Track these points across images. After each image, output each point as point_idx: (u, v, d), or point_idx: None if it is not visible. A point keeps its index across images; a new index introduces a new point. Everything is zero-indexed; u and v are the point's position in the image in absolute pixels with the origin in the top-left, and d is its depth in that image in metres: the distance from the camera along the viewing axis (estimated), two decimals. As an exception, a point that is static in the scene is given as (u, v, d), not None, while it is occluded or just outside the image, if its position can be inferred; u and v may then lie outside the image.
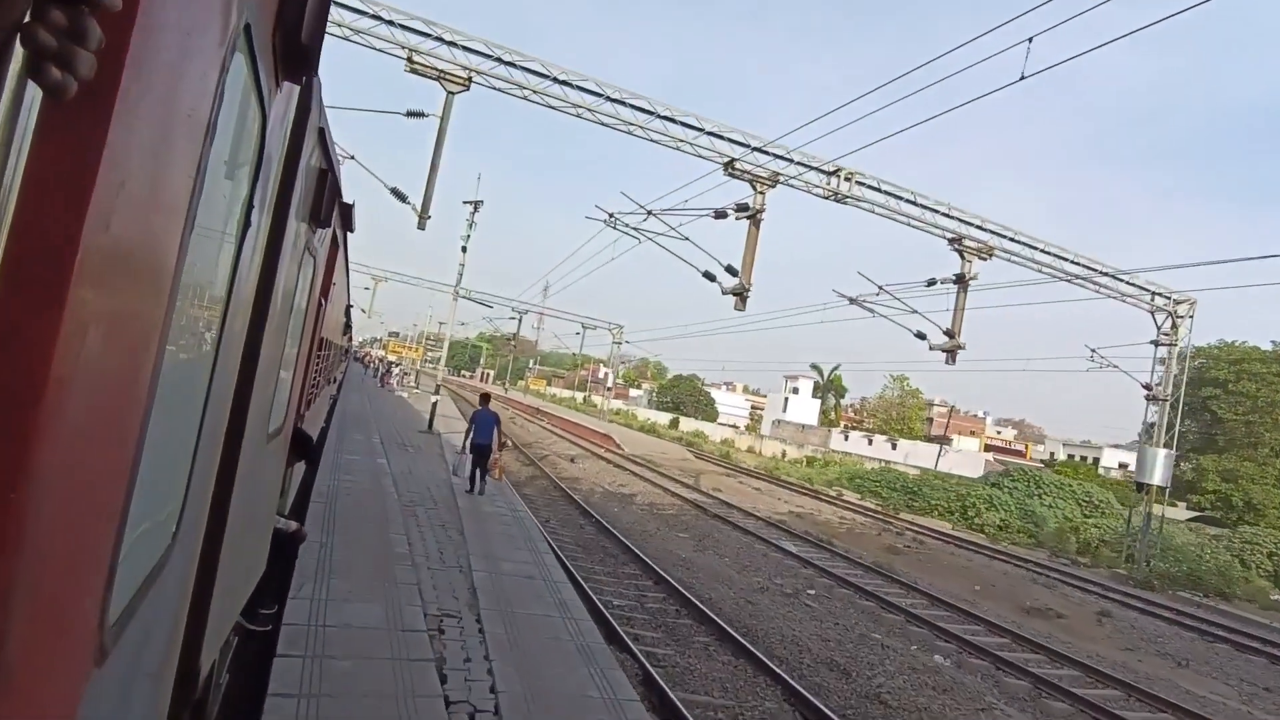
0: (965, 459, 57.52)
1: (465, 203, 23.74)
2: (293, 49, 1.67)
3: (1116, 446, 73.88)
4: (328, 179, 3.39)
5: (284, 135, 2.16)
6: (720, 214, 17.66)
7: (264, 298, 2.39)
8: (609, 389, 58.76)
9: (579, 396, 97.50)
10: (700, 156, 18.08)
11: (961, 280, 19.81)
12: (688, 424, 72.83)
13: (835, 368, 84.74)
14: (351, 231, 6.30)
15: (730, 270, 17.53)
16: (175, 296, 1.07)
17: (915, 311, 20.01)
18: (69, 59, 0.53)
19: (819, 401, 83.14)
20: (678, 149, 18.11)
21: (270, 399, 3.02)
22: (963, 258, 20.02)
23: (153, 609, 1.46)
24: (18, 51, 0.53)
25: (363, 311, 42.39)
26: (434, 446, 19.03)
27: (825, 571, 14.58)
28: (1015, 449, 76.17)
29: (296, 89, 2.15)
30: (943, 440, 59.94)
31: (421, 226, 16.04)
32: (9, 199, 0.56)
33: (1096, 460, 66.20)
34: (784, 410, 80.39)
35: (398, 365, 52.48)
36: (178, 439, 1.48)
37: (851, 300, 21.21)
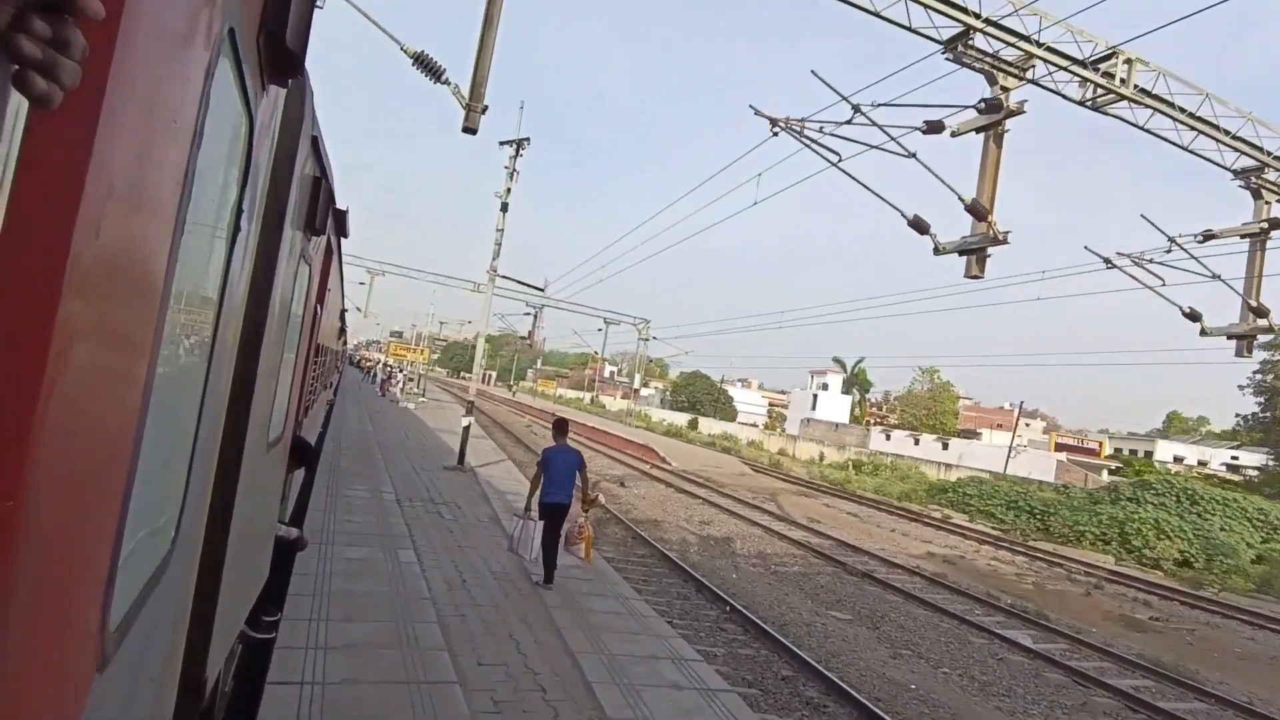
0: (1036, 460, 48.45)
1: (503, 143, 17.45)
2: (278, 53, 1.67)
3: (1165, 437, 68.80)
4: (321, 186, 3.40)
5: (272, 141, 2.16)
6: (935, 127, 10.42)
7: (260, 306, 2.40)
8: (635, 389, 56.04)
9: (585, 397, 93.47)
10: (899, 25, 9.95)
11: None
12: (707, 425, 68.72)
13: (859, 361, 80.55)
14: (345, 237, 6.31)
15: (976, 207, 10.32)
16: (166, 303, 1.07)
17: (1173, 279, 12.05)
18: (54, 68, 0.54)
19: (849, 398, 78.43)
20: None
21: (269, 408, 3.03)
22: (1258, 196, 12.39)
23: (154, 615, 1.47)
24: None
25: (358, 310, 38.22)
26: (473, 496, 13.08)
27: (1128, 697, 9.51)
28: (1087, 447, 63.75)
29: (283, 93, 2.16)
30: (1011, 444, 49.92)
31: (472, 126, 9.36)
32: None
33: (1149, 454, 59.16)
34: (813, 408, 75.08)
35: (400, 370, 47.80)
36: (173, 446, 1.49)
37: (1109, 263, 12.23)
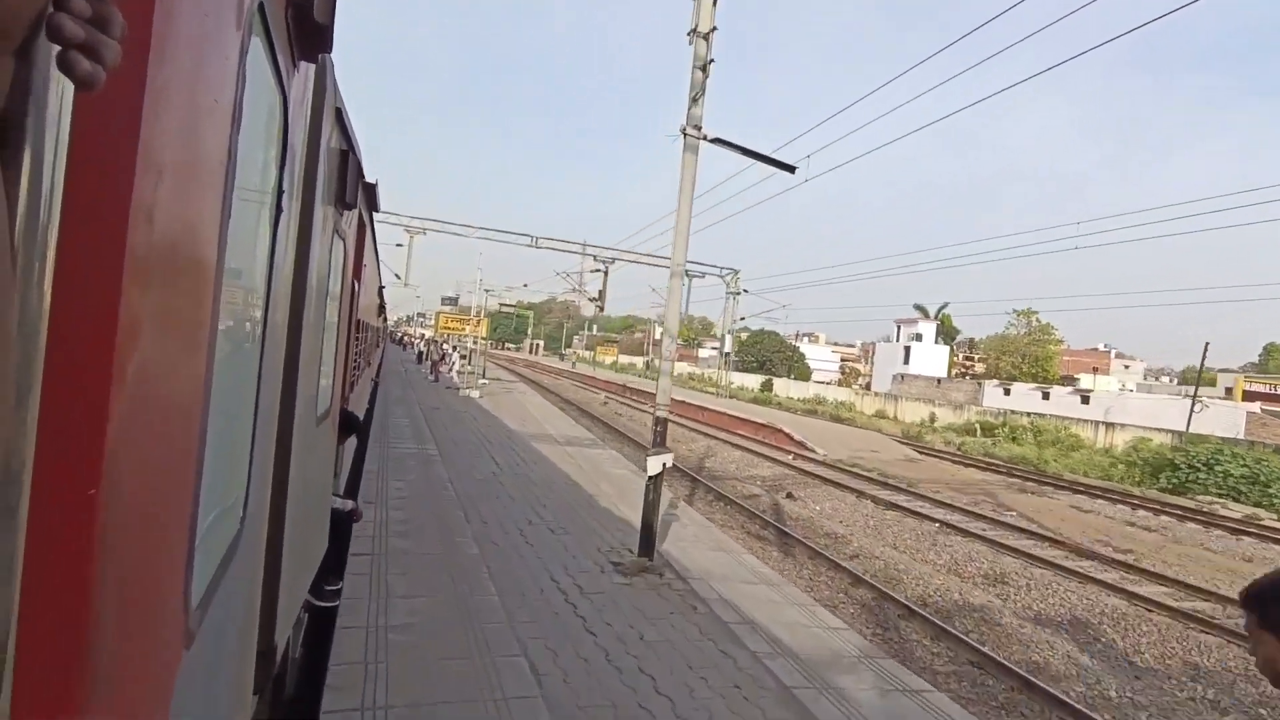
0: (1219, 416, 36.96)
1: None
2: (307, 28, 1.65)
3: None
4: (349, 160, 3.39)
5: (305, 117, 2.15)
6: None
7: (300, 283, 2.42)
8: (726, 353, 46.19)
9: (638, 362, 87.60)
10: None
11: None
12: (782, 387, 63.03)
13: (942, 307, 71.58)
14: (377, 211, 6.33)
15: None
16: (220, 287, 1.08)
17: None
18: (97, 48, 0.52)
19: (946, 349, 68.90)
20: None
21: (316, 383, 3.08)
22: None
23: (230, 590, 1.52)
24: (45, 46, 0.52)
25: (396, 277, 33.17)
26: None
27: None
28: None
29: (313, 69, 2.13)
30: (1197, 390, 36.10)
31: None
32: (54, 198, 0.55)
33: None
34: (905, 361, 65.52)
35: (454, 348, 38.44)
36: (236, 425, 1.52)
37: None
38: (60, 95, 0.55)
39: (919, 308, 72.20)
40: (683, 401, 35.38)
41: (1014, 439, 33.89)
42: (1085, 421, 36.65)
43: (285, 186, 1.72)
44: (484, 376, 32.43)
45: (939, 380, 58.41)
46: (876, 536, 13.56)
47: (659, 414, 7.99)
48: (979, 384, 54.81)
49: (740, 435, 28.12)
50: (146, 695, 0.94)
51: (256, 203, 1.47)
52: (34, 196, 0.53)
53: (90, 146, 0.63)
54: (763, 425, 29.59)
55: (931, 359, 66.04)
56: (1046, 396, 48.21)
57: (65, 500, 0.65)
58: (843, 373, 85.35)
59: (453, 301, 38.93)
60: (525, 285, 48.60)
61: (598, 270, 36.36)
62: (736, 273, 41.54)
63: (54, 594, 0.65)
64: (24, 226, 0.52)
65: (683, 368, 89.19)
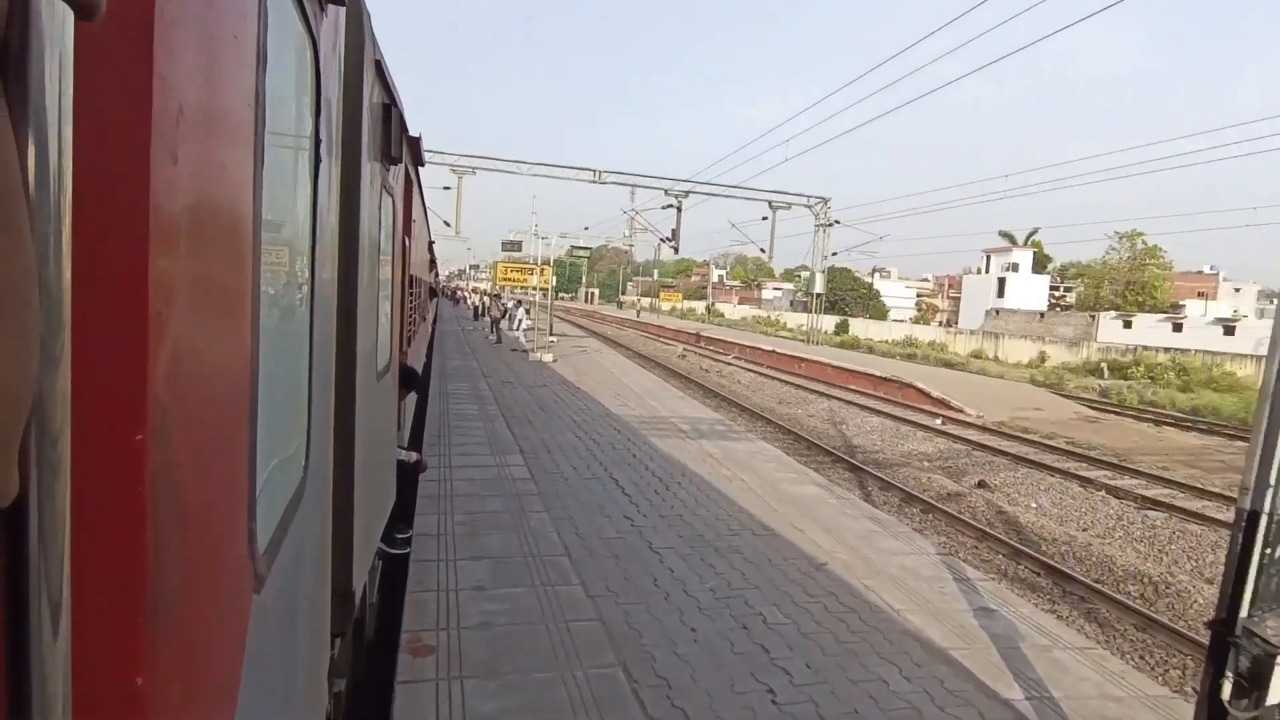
0: None
1: None
2: None
3: None
4: (392, 113, 3.37)
5: (339, 66, 2.12)
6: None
7: (352, 239, 2.43)
8: (817, 294, 39.12)
9: (696, 307, 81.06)
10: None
11: None
12: (860, 328, 57.66)
13: (1033, 233, 63.78)
14: (422, 165, 6.34)
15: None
16: (259, 234, 1.06)
17: None
18: None
19: (1045, 279, 61.48)
20: None
21: (374, 339, 3.14)
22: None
23: (298, 537, 1.56)
24: None
25: (445, 225, 29.62)
26: None
27: None
28: None
29: (343, 14, 2.09)
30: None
31: None
32: (66, 138, 0.52)
33: None
34: (999, 294, 58.64)
35: (519, 303, 31.91)
36: (290, 379, 1.54)
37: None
38: (61, 24, 0.52)
39: (1006, 235, 64.73)
40: (772, 351, 32.65)
41: (1153, 378, 29.78)
42: (1235, 356, 31.63)
43: (322, 138, 1.70)
44: (551, 334, 26.88)
45: (1041, 314, 51.61)
46: (1165, 559, 9.44)
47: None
48: (1092, 316, 47.15)
49: (859, 392, 23.35)
50: (215, 636, 0.97)
51: (292, 151, 1.46)
52: (45, 134, 0.51)
53: (99, 79, 0.60)
54: (884, 379, 24.54)
55: (1029, 291, 58.56)
56: (1179, 328, 41.86)
57: (111, 445, 0.65)
58: (919, 309, 79.25)
59: (515, 246, 31.13)
60: (586, 229, 41.40)
61: (670, 206, 32.49)
62: (826, 202, 35.85)
63: (106, 538, 0.66)
64: (37, 166, 0.50)
65: (744, 310, 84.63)
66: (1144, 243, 56.42)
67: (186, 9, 0.75)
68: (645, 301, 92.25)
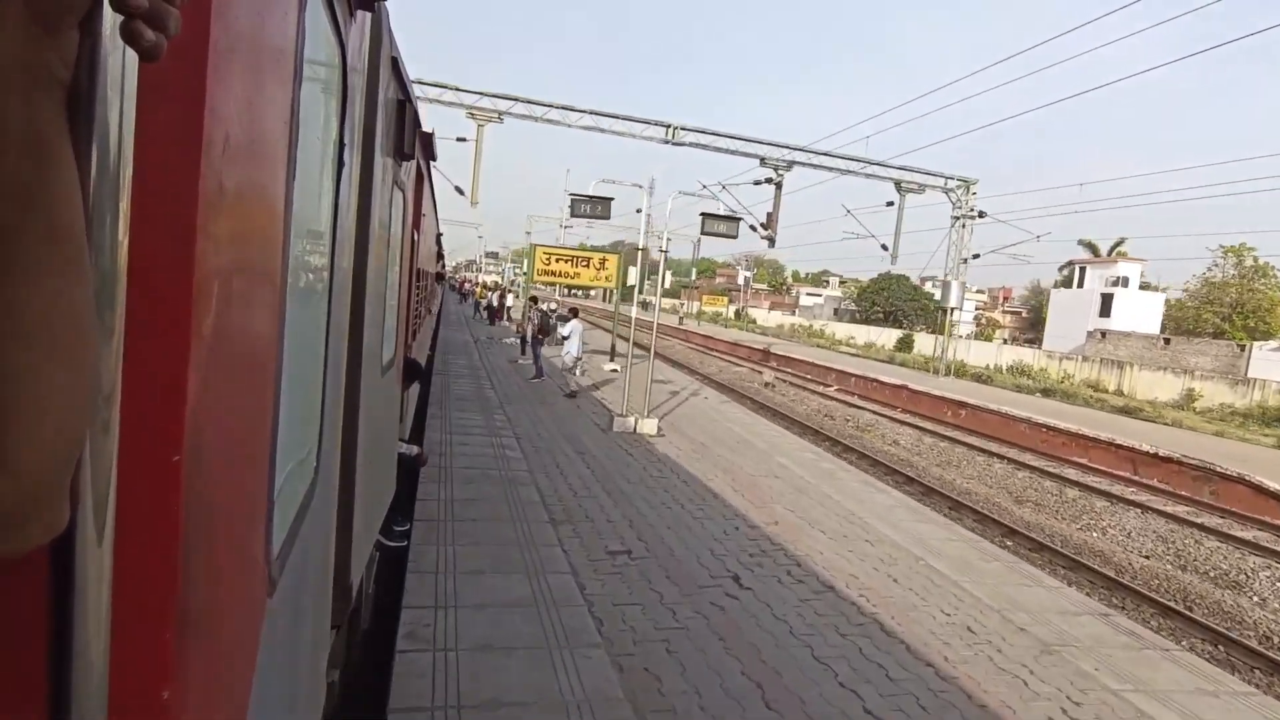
0: None
1: None
2: None
3: None
4: (406, 110, 3.38)
5: (363, 68, 2.13)
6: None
7: (363, 236, 2.45)
8: (951, 310, 29.50)
9: (725, 311, 71.36)
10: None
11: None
12: (927, 344, 47.74)
13: (1118, 244, 53.87)
14: (434, 160, 6.36)
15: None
16: (289, 244, 1.08)
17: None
18: (160, 17, 0.51)
19: (1159, 296, 51.43)
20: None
21: (380, 333, 3.15)
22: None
23: (307, 538, 1.58)
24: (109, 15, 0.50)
25: (459, 192, 22.23)
26: None
27: None
28: None
29: (368, 17, 2.10)
30: None
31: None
32: (125, 170, 0.55)
33: None
34: (1104, 313, 49.07)
35: (574, 312, 17.57)
36: (308, 379, 1.56)
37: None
38: (125, 66, 0.54)
39: (1087, 245, 55.61)
40: (902, 387, 23.94)
41: None
42: None
43: (347, 139, 1.71)
44: (613, 358, 20.06)
45: (1165, 339, 41.84)
46: None
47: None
48: (1241, 345, 37.72)
49: (1112, 475, 14.76)
50: (234, 643, 0.99)
51: (319, 156, 1.47)
52: (104, 167, 0.53)
53: (156, 113, 0.62)
54: (1154, 457, 14.93)
55: (1141, 311, 48.73)
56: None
57: (150, 471, 0.67)
58: (978, 324, 70.42)
59: (596, 209, 18.59)
60: (639, 211, 35.62)
61: (765, 182, 23.96)
62: (969, 186, 27.08)
63: (142, 558, 0.68)
64: (96, 197, 0.52)
65: (778, 317, 75.48)
66: (1254, 259, 47.75)
67: (238, 36, 0.77)
68: (670, 303, 79.84)
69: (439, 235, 17.99)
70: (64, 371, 0.48)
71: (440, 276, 22.09)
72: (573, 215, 21.71)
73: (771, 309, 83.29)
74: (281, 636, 1.35)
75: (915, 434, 18.52)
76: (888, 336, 53.67)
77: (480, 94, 22.07)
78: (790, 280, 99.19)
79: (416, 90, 16.96)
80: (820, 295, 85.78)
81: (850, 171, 26.11)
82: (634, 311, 15.21)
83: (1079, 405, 26.24)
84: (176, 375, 0.69)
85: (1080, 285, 53.06)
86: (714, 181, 24.29)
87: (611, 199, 18.24)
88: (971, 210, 27.24)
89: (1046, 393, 30.14)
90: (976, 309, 75.18)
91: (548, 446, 9.68)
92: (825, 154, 25.62)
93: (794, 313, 79.79)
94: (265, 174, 0.95)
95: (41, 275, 0.47)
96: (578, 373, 15.85)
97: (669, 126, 23.68)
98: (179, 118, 0.67)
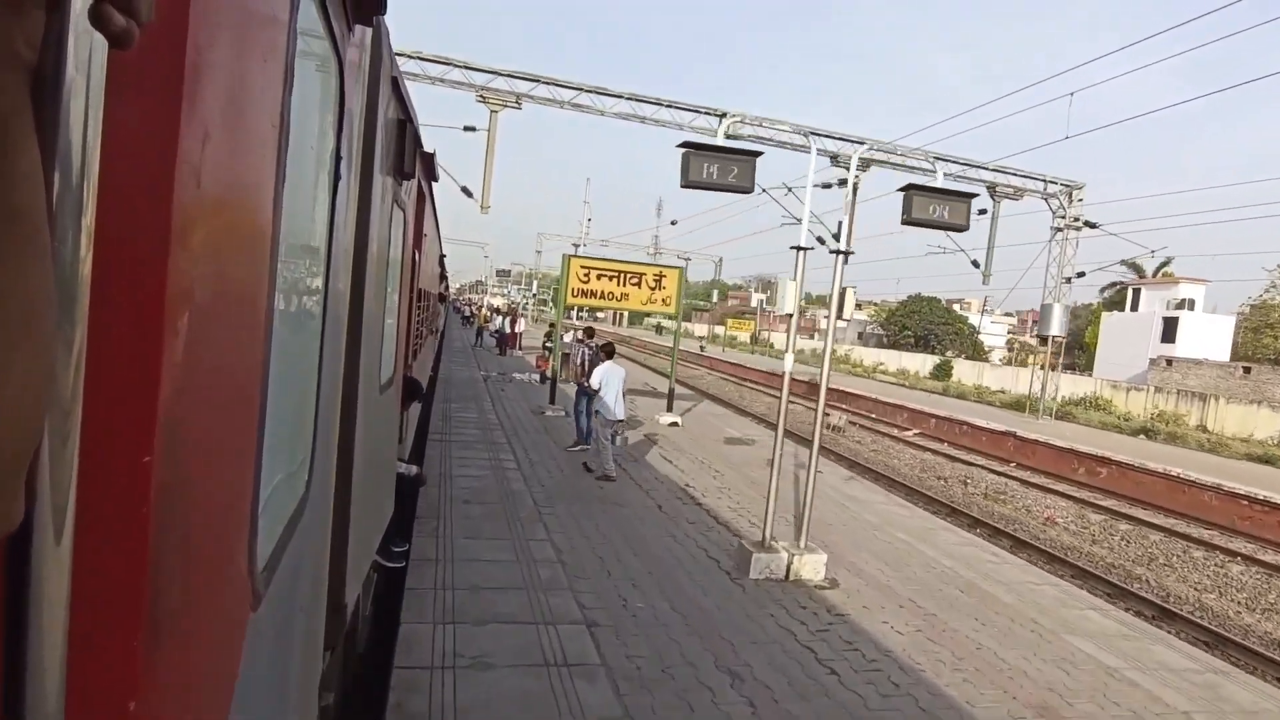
0: None
1: None
2: None
3: None
4: (407, 129, 3.41)
5: (361, 84, 2.14)
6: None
7: (361, 254, 2.45)
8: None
9: (738, 336, 67.08)
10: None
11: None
12: (970, 372, 45.56)
13: (1164, 264, 48.24)
14: (435, 181, 6.42)
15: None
16: (277, 253, 1.07)
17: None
18: (132, 2, 0.50)
19: (1229, 319, 46.49)
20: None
21: (379, 352, 3.15)
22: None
23: (297, 553, 1.55)
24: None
25: (466, 194, 18.81)
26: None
27: None
28: None
29: (369, 34, 2.12)
30: None
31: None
32: (93, 157, 0.53)
33: None
34: (1167, 339, 44.41)
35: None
36: (299, 393, 1.54)
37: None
38: (93, 51, 0.53)
39: (1131, 265, 49.43)
40: (1008, 436, 20.04)
41: None
42: None
43: (343, 153, 1.71)
44: (670, 406, 15.75)
45: (1245, 368, 37.13)
46: None
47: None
48: None
49: None
50: (211, 656, 0.96)
51: (314, 168, 1.47)
52: (70, 155, 0.51)
53: (129, 104, 0.61)
54: None
55: (1209, 336, 43.87)
56: None
57: (117, 467, 0.65)
58: (1010, 348, 65.95)
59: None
60: (674, 223, 31.36)
61: (833, 185, 18.80)
62: (1072, 192, 23.21)
63: (107, 561, 0.65)
64: (61, 189, 0.51)
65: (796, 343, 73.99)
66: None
67: (219, 35, 0.76)
68: (695, 327, 77.84)
69: (442, 256, 17.98)
70: (19, 356, 0.47)
71: (443, 298, 21.39)
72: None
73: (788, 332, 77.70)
74: (267, 654, 1.32)
75: (1069, 507, 14.35)
76: (921, 362, 50.28)
77: (494, 73, 18.25)
78: (803, 303, 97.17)
79: (415, 67, 16.51)
80: (844, 320, 79.25)
81: (933, 173, 20.80)
82: (676, 345, 14.94)
83: (1194, 450, 22.60)
84: (148, 374, 0.67)
85: (1135, 308, 48.08)
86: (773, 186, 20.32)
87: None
88: (1076, 220, 23.02)
89: (1146, 433, 26.24)
90: (1009, 333, 72.34)
91: (648, 635, 4.98)
92: (911, 151, 20.71)
93: (812, 336, 75.50)
94: (251, 175, 0.94)
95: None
96: (616, 442, 9.90)
97: (723, 115, 19.00)
98: (153, 109, 0.66)
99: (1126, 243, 25.63)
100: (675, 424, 14.65)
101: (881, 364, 51.33)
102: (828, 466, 12.26)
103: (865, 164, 19.45)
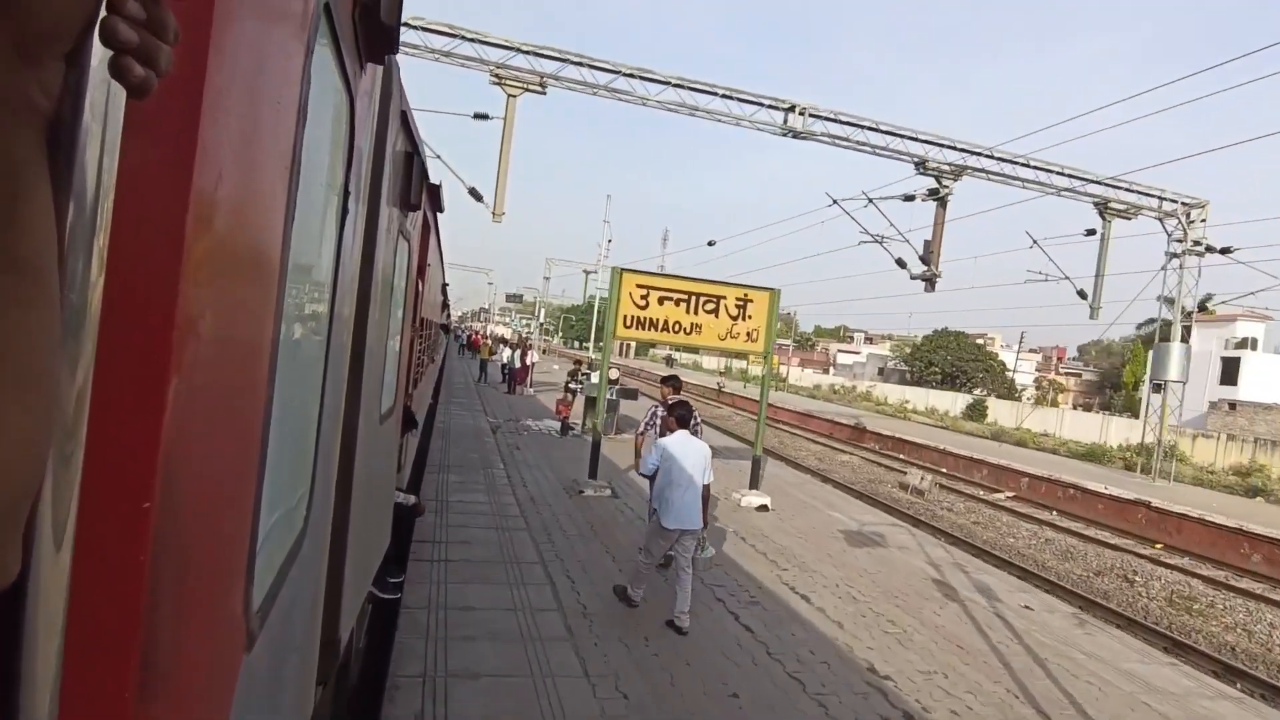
0: None
1: None
2: (373, 29, 1.65)
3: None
4: (414, 161, 3.46)
5: (371, 119, 2.17)
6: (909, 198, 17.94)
7: (365, 286, 2.46)
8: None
9: (750, 369, 57.87)
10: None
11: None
12: (1006, 413, 42.01)
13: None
14: (441, 212, 6.48)
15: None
16: (284, 289, 1.07)
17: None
18: (151, 54, 0.50)
19: None
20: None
21: (379, 382, 3.15)
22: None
23: (293, 590, 1.53)
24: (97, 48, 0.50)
25: (474, 198, 15.63)
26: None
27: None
28: None
29: (380, 71, 2.16)
30: None
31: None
32: (106, 203, 0.54)
33: None
34: (1229, 380, 40.86)
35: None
36: (300, 428, 1.53)
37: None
38: (112, 100, 0.53)
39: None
40: (1146, 508, 16.22)
41: None
42: None
43: (351, 188, 1.73)
44: (755, 484, 11.57)
45: None
46: None
47: None
48: None
49: None
50: (202, 701, 0.94)
51: (322, 204, 1.48)
52: (84, 201, 0.51)
53: (144, 149, 0.61)
54: None
55: (1273, 378, 39.86)
56: None
57: (117, 513, 0.64)
58: (1038, 386, 63.11)
59: None
60: (711, 243, 27.88)
61: (915, 196, 17.52)
62: (1192, 211, 20.48)
63: (102, 609, 0.64)
64: (74, 232, 0.51)
65: (810, 376, 67.10)
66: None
67: (234, 79, 0.77)
68: (703, 359, 72.53)
69: (444, 285, 18.12)
70: (20, 407, 0.46)
71: (445, 328, 20.91)
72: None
73: (803, 367, 73.13)
74: (259, 694, 1.29)
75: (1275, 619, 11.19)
76: (952, 401, 47.19)
77: (512, 48, 15.14)
78: (812, 336, 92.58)
79: (416, 38, 15.64)
80: (861, 353, 76.61)
81: (1028, 185, 18.52)
82: (763, 396, 11.14)
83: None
84: (151, 421, 0.66)
85: (1176, 341, 42.28)
86: (850, 196, 17.92)
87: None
88: (1198, 244, 20.19)
89: (1257, 493, 22.95)
90: (1037, 371, 68.64)
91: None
92: (1013, 159, 17.87)
93: (827, 371, 72.21)
94: (261, 215, 0.95)
95: (3, 305, 0.45)
96: (701, 566, 6.83)
97: (791, 108, 16.47)
98: (168, 154, 0.67)
99: (1257, 272, 20.19)
100: (764, 507, 10.66)
101: (907, 402, 48.04)
102: (962, 558, 9.51)
103: (957, 172, 17.58)
